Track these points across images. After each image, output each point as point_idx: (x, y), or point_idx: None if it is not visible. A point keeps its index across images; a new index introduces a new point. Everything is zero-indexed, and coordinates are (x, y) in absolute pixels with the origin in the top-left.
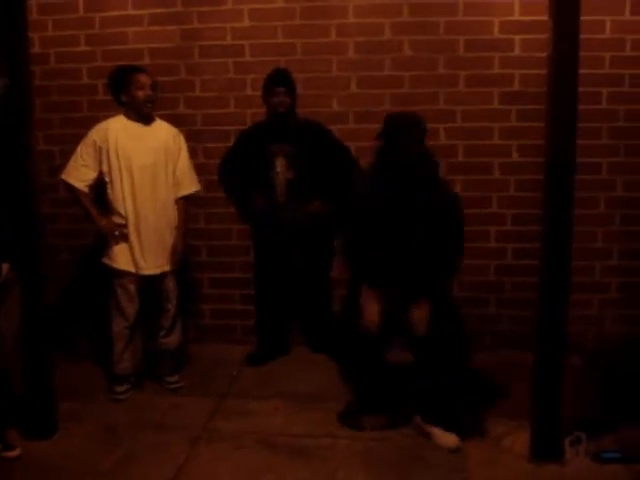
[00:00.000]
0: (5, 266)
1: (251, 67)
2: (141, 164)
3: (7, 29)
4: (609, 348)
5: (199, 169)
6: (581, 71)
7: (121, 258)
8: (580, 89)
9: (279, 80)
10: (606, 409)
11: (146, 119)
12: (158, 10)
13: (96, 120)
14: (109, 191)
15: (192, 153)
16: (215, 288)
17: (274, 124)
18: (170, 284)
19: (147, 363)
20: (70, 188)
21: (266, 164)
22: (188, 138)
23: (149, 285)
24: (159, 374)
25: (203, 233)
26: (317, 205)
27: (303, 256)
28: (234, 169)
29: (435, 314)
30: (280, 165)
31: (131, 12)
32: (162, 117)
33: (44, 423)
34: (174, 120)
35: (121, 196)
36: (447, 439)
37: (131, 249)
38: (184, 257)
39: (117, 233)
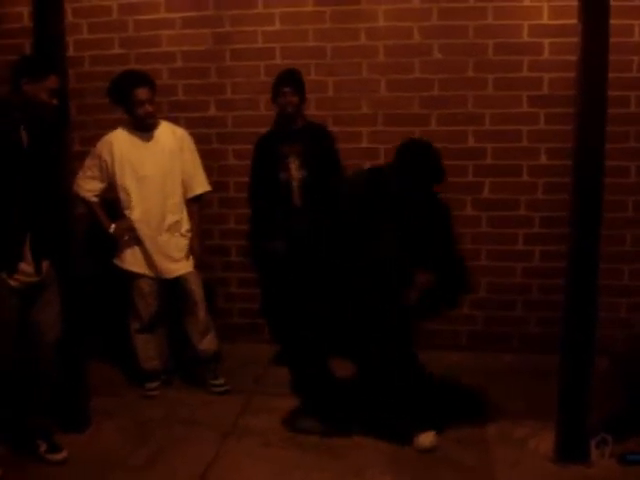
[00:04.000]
0: (45, 263)
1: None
2: (147, 173)
3: (44, 33)
4: (637, 351)
5: (230, 170)
6: (610, 75)
7: (131, 260)
8: (609, 93)
9: (286, 80)
10: (633, 411)
11: (149, 129)
12: (191, 13)
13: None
14: (119, 198)
15: (223, 155)
16: (244, 288)
17: (283, 125)
18: (194, 287)
19: (185, 365)
20: (80, 199)
21: (280, 166)
22: (219, 140)
23: (172, 289)
24: (203, 379)
25: (232, 233)
26: None
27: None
28: (260, 181)
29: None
30: (293, 165)
31: (164, 15)
32: (193, 119)
33: (77, 417)
34: (205, 122)
35: (129, 204)
36: (426, 441)
37: (142, 252)
38: (202, 257)
39: (127, 237)
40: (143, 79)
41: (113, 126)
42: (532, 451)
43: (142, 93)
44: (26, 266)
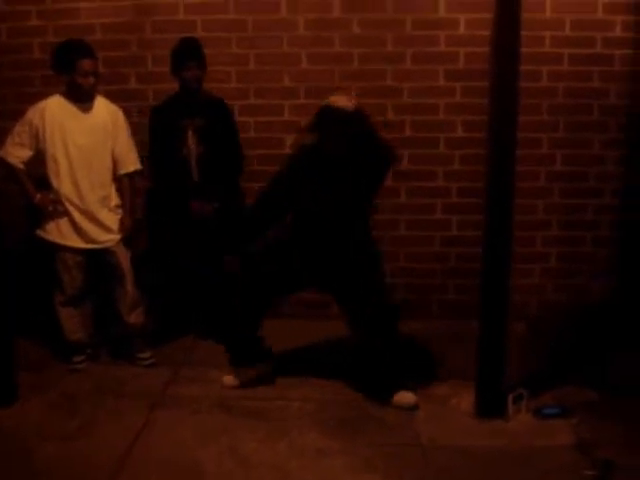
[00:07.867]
0: None
1: (203, 43)
2: (78, 143)
3: None
4: (550, 315)
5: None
6: (522, 50)
7: (55, 231)
8: (521, 67)
9: (191, 54)
10: (547, 370)
11: (85, 100)
12: None
13: (49, 94)
14: (47, 168)
15: (142, 128)
16: None
17: (186, 98)
18: (121, 260)
19: (112, 339)
20: (6, 165)
21: (179, 140)
22: (140, 113)
23: (98, 262)
24: (130, 352)
25: None
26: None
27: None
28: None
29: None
30: (191, 139)
31: None
32: (114, 92)
33: (4, 391)
34: (126, 95)
35: (58, 174)
36: (407, 398)
37: (69, 223)
38: (132, 233)
39: (51, 208)
40: (88, 50)
41: (32, 100)
42: (453, 408)
43: (87, 64)
44: None
